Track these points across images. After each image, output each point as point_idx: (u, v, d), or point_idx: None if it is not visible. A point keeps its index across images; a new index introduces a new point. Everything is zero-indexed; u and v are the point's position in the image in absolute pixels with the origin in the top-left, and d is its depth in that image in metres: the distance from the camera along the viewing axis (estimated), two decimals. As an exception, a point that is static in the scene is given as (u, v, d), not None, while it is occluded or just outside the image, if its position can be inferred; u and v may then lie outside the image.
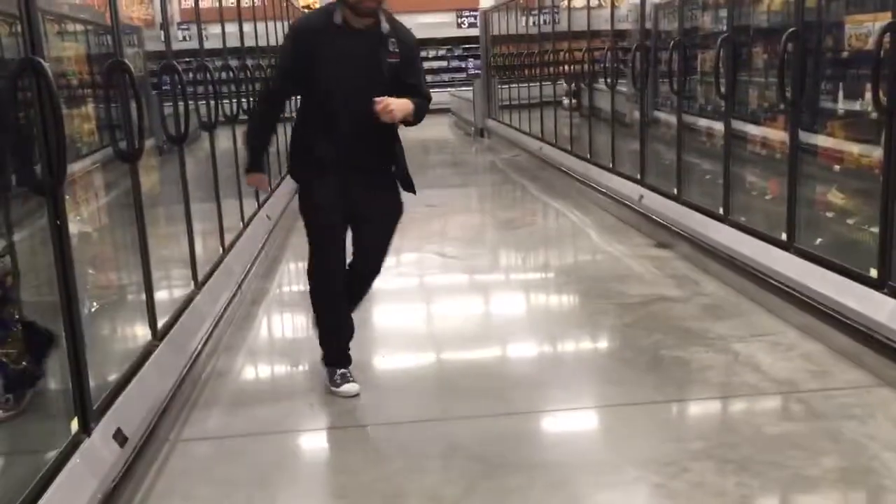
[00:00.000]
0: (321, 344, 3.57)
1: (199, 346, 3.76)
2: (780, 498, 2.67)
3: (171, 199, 4.23)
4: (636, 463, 2.80)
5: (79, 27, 3.53)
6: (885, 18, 3.45)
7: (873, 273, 3.55)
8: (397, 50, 3.24)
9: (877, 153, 3.67)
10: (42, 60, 2.38)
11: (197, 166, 4.82)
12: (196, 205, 4.42)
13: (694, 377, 3.55)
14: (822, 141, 4.26)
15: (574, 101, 9.28)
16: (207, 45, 5.39)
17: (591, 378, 3.70)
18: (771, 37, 4.67)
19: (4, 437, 2.67)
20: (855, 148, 3.99)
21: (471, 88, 15.13)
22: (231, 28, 6.44)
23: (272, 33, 8.33)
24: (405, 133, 3.42)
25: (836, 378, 3.44)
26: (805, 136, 4.28)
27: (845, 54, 4.02)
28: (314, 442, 3.24)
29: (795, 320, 4.00)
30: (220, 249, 4.98)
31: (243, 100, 6.17)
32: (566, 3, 9.25)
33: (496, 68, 14.35)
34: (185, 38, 5.28)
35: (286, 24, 8.84)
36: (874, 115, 3.66)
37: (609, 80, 7.38)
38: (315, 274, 3.47)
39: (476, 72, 17.74)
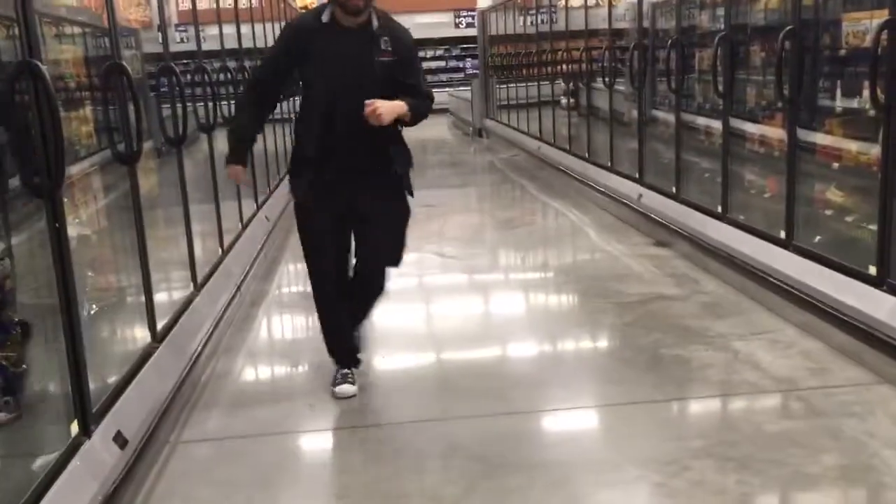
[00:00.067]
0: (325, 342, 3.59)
1: (199, 348, 3.76)
2: (780, 496, 2.67)
3: (169, 200, 4.23)
4: (637, 462, 2.81)
5: (76, 29, 3.52)
6: (882, 16, 3.45)
7: (872, 271, 3.55)
8: (390, 48, 3.21)
9: (875, 150, 3.67)
10: (39, 63, 2.38)
11: (195, 168, 4.82)
12: (195, 206, 4.42)
13: (694, 375, 3.55)
14: (820, 139, 4.27)
15: (572, 100, 9.29)
16: (205, 46, 5.39)
17: (591, 377, 3.70)
18: (768, 35, 4.67)
19: (4, 440, 2.67)
20: (853, 145, 3.99)
21: (469, 88, 15.13)
22: (229, 30, 6.44)
23: (270, 35, 8.33)
24: (404, 133, 3.42)
25: (836, 376, 3.44)
26: (803, 134, 4.28)
27: (843, 52, 4.02)
28: (315, 442, 3.24)
29: (795, 318, 4.00)
30: (219, 251, 4.97)
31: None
32: (563, 2, 9.25)
33: (494, 68, 14.35)
34: (182, 40, 5.28)
35: (283, 25, 8.84)
36: (872, 112, 3.66)
37: (607, 80, 7.38)
38: (310, 275, 3.47)
39: (474, 72, 17.74)
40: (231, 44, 6.50)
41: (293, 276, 6.02)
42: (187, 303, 3.99)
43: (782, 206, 4.32)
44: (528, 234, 6.86)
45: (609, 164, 7.46)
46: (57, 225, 2.48)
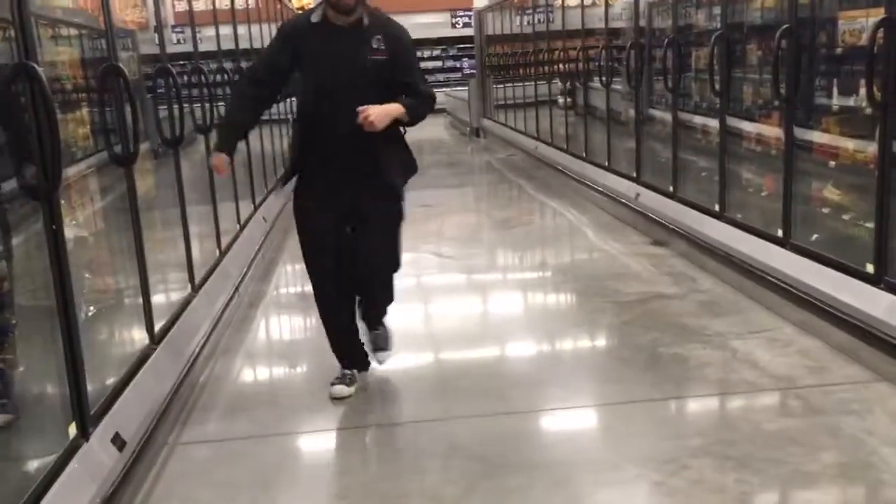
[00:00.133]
0: None
1: (197, 350, 3.75)
2: (779, 494, 2.67)
3: (166, 202, 4.22)
4: (636, 461, 2.81)
5: (72, 31, 3.51)
6: (877, 14, 3.46)
7: (870, 268, 3.55)
8: (383, 47, 3.18)
9: (871, 148, 3.68)
10: (36, 65, 2.37)
11: (192, 169, 4.81)
12: (192, 208, 4.42)
13: (692, 374, 3.55)
14: (817, 137, 4.27)
15: (569, 99, 9.29)
16: (202, 47, 5.39)
17: (590, 376, 3.70)
18: (765, 33, 4.68)
19: (2, 443, 2.66)
20: (850, 143, 4.00)
21: (466, 88, 15.13)
22: (225, 30, 6.43)
23: (266, 35, 8.32)
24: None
25: (834, 373, 3.45)
26: (800, 133, 4.28)
27: (839, 50, 4.03)
28: (314, 443, 3.24)
29: (793, 316, 4.01)
30: (217, 252, 4.97)
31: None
32: (560, 1, 9.25)
33: (491, 68, 14.35)
34: (179, 41, 5.28)
35: (279, 25, 8.83)
36: (868, 110, 3.67)
37: (604, 79, 7.38)
38: (310, 276, 3.47)
39: (471, 71, 17.74)
40: (228, 45, 6.50)
41: (291, 277, 6.02)
42: (185, 304, 3.99)
43: (779, 204, 4.32)
44: (526, 234, 6.86)
45: (606, 164, 7.46)
46: (54, 227, 2.48)
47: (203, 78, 5.04)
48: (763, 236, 4.49)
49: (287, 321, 4.93)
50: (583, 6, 8.32)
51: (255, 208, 6.62)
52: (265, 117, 6.72)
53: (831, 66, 4.18)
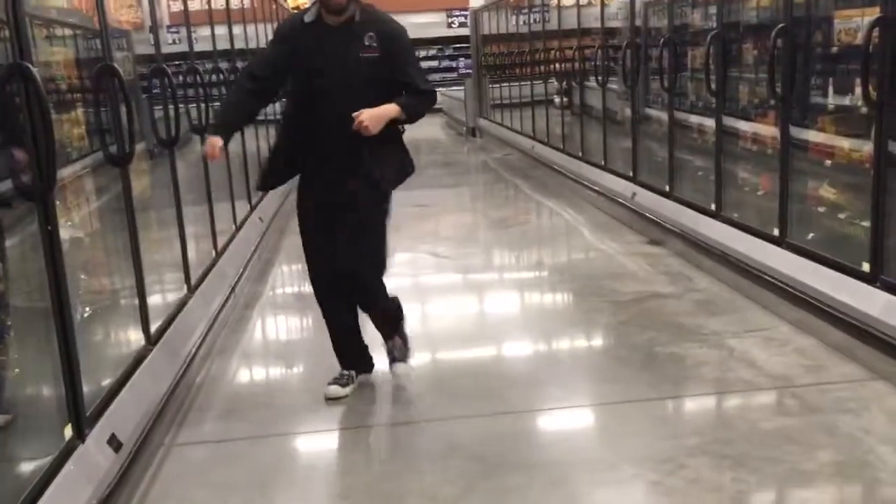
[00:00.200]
0: None
1: (193, 350, 3.74)
2: (776, 493, 2.68)
3: (162, 202, 4.22)
4: (633, 460, 2.81)
5: (67, 31, 3.50)
6: (873, 13, 3.46)
7: (866, 267, 3.56)
8: (375, 44, 3.16)
9: (867, 147, 3.68)
10: (30, 65, 2.36)
11: (188, 170, 4.80)
12: (188, 208, 4.41)
13: (689, 373, 3.55)
14: (812, 136, 4.27)
15: (565, 99, 9.29)
16: (197, 47, 5.37)
17: (587, 376, 3.70)
18: (760, 33, 4.68)
19: (-2, 445, 2.66)
20: (846, 143, 4.00)
21: (462, 88, 15.13)
22: (221, 30, 6.42)
23: (261, 35, 8.31)
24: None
25: (831, 372, 3.45)
26: (796, 132, 4.29)
27: (835, 49, 4.03)
28: (311, 444, 3.24)
29: (789, 315, 4.01)
30: (213, 253, 4.96)
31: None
32: (556, 1, 9.25)
33: (487, 67, 14.35)
34: (174, 41, 5.26)
35: (275, 25, 8.83)
36: (864, 109, 3.67)
37: (600, 78, 7.38)
38: (309, 274, 3.46)
39: (467, 71, 17.74)
40: (223, 45, 6.48)
41: (287, 278, 6.02)
42: (181, 305, 3.98)
43: (775, 203, 4.33)
44: (523, 234, 6.86)
45: (603, 163, 7.47)
46: (49, 228, 2.47)
47: (198, 78, 5.02)
48: (759, 235, 4.50)
49: (283, 322, 4.92)
50: (579, 6, 8.32)
51: (252, 208, 6.60)
52: (261, 117, 6.74)
53: (827, 66, 4.19)
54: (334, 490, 2.84)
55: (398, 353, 3.61)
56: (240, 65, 6.71)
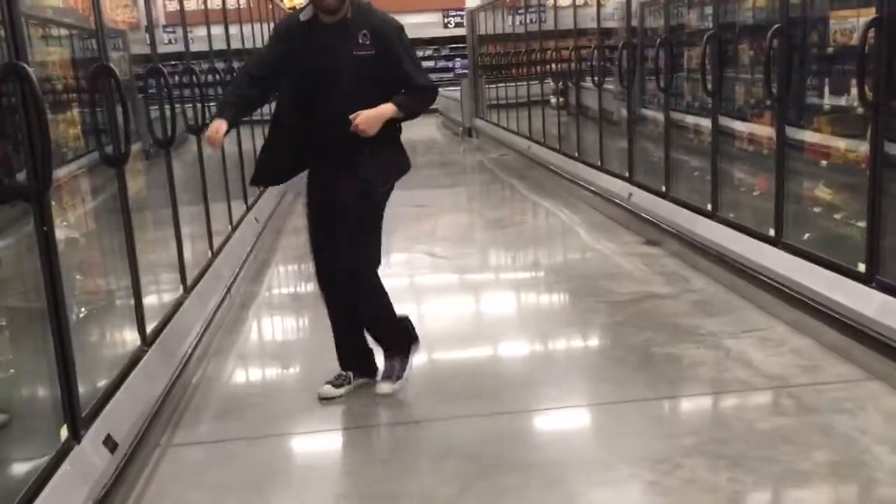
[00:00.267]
0: None
1: (189, 351, 3.74)
2: (772, 493, 2.68)
3: (158, 202, 4.21)
4: (629, 460, 2.81)
5: (63, 31, 3.50)
6: (868, 14, 3.47)
7: (861, 268, 3.56)
8: (368, 42, 3.14)
9: (863, 148, 3.69)
10: (26, 65, 2.36)
11: (184, 170, 4.80)
12: (184, 208, 4.40)
13: (685, 374, 3.55)
14: (808, 136, 4.28)
15: (561, 99, 9.30)
16: (193, 47, 5.37)
17: (583, 376, 3.70)
18: (756, 33, 4.69)
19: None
20: (841, 143, 4.01)
21: (458, 88, 15.13)
22: (217, 30, 6.41)
23: (258, 35, 8.31)
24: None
25: (827, 372, 3.46)
26: (792, 132, 4.29)
27: (830, 50, 4.04)
28: (307, 445, 3.23)
29: (785, 316, 4.02)
30: (209, 253, 4.95)
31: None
32: (552, 1, 9.26)
33: (483, 68, 14.35)
34: (170, 41, 5.25)
35: (272, 25, 8.82)
36: (860, 110, 3.68)
37: (596, 79, 7.39)
38: (315, 270, 3.45)
39: (463, 71, 17.73)
40: (219, 45, 6.48)
41: (283, 278, 6.01)
42: (177, 305, 3.97)
43: (771, 203, 4.33)
44: (519, 234, 6.86)
45: (599, 163, 7.47)
46: (45, 228, 2.47)
47: (194, 78, 5.02)
48: (755, 236, 4.50)
49: (279, 322, 4.92)
50: (575, 6, 8.33)
51: (248, 209, 6.60)
52: (257, 117, 6.73)
53: (823, 66, 4.19)
54: (330, 490, 2.84)
55: (389, 370, 3.50)
56: (236, 65, 6.70)
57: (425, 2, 19.93)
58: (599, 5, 7.41)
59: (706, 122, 5.25)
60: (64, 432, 2.51)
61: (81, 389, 2.62)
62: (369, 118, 3.08)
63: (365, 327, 3.50)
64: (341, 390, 3.44)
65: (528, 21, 10.70)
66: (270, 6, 9.62)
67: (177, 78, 4.78)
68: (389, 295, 3.44)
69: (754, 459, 2.75)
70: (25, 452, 2.56)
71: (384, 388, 3.47)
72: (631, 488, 2.68)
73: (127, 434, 2.83)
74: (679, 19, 5.84)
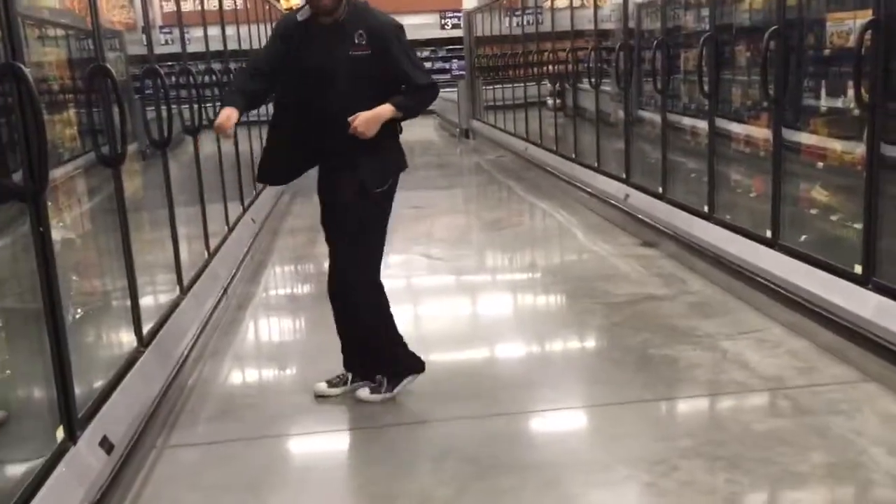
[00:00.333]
0: None
1: (186, 352, 3.73)
2: (769, 494, 2.68)
3: (155, 203, 4.20)
4: (626, 462, 2.81)
5: (59, 31, 3.49)
6: (865, 16, 3.48)
7: (858, 269, 3.57)
8: (364, 42, 3.13)
9: (859, 150, 3.69)
10: (22, 65, 2.35)
11: (181, 170, 4.79)
12: (180, 209, 4.39)
13: (682, 375, 3.56)
14: (805, 138, 4.29)
15: (558, 101, 9.31)
16: (190, 48, 5.36)
17: (580, 378, 3.70)
18: (753, 35, 4.69)
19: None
20: (838, 145, 4.02)
21: (455, 90, 15.13)
22: (213, 31, 6.41)
23: (255, 36, 8.30)
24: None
25: (823, 374, 3.46)
26: (788, 134, 4.30)
27: (827, 52, 4.05)
28: (305, 445, 3.23)
29: (781, 317, 4.02)
30: (206, 254, 4.95)
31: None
32: (549, 3, 9.27)
33: (480, 69, 14.36)
34: (167, 42, 5.25)
35: (269, 26, 8.82)
36: (856, 111, 3.69)
37: (593, 80, 7.40)
38: None
39: (460, 73, 17.74)
40: (216, 46, 6.47)
41: (280, 279, 6.01)
42: (173, 306, 3.96)
43: (768, 205, 4.34)
44: (516, 235, 6.86)
45: (596, 165, 7.48)
46: (41, 229, 2.46)
47: (191, 79, 5.01)
48: (752, 237, 4.51)
49: (276, 323, 4.91)
50: (572, 7, 8.33)
51: (244, 209, 6.59)
52: (254, 117, 6.72)
53: (819, 68, 4.20)
54: (328, 491, 2.83)
55: (379, 385, 3.41)
56: (233, 66, 6.70)
57: (422, 3, 19.94)
58: (596, 7, 7.42)
59: (703, 124, 5.26)
60: (60, 433, 2.50)
61: (78, 390, 2.61)
62: (368, 120, 3.08)
63: (359, 354, 3.46)
64: (336, 390, 3.44)
65: (525, 22, 10.72)
66: (267, 7, 9.61)
67: (173, 79, 4.77)
68: (387, 296, 3.40)
69: (751, 461, 2.75)
70: (21, 454, 2.55)
71: (362, 394, 3.42)
72: (628, 490, 2.68)
73: (123, 435, 2.82)
74: (676, 21, 5.85)
